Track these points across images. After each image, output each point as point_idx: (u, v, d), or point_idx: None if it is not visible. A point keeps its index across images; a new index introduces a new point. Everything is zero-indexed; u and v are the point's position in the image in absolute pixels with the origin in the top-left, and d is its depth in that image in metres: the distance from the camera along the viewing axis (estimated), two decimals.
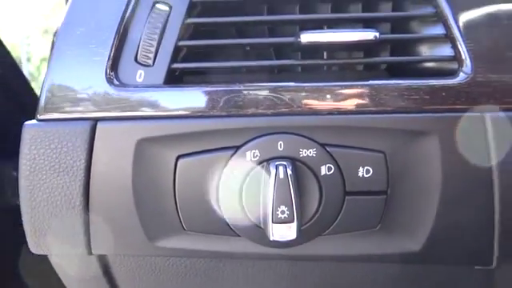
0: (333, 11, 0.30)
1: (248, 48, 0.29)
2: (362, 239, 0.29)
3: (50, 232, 0.29)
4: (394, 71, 0.30)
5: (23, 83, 0.62)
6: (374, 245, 0.29)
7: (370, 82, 0.27)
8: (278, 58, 0.31)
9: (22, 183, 0.27)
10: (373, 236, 0.29)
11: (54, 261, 0.33)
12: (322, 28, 0.30)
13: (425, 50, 0.29)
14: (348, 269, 0.31)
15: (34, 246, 0.30)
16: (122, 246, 0.29)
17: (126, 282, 0.34)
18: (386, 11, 0.30)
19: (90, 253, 0.29)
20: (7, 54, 0.60)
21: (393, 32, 0.31)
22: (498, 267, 0.29)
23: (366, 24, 0.30)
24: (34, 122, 0.27)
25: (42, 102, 0.27)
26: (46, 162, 0.27)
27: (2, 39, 0.58)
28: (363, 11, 0.30)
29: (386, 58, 0.30)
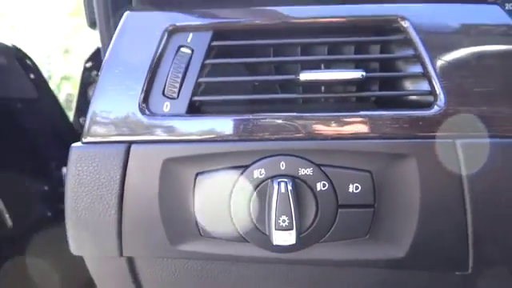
0: (330, 52, 0.36)
1: (256, 83, 0.34)
2: (353, 246, 0.34)
3: (88, 236, 0.34)
4: (382, 102, 0.36)
5: (57, 107, 0.69)
6: (364, 251, 0.34)
7: (360, 112, 0.32)
8: (282, 91, 0.36)
9: (68, 194, 0.33)
10: (363, 244, 0.34)
11: (89, 262, 0.38)
12: (320, 66, 0.35)
13: (407, 85, 0.34)
14: (342, 274, 0.36)
15: (74, 248, 0.35)
16: (148, 248, 0.34)
17: (149, 283, 0.39)
18: (375, 53, 0.36)
19: (121, 255, 0.35)
20: (44, 80, 0.67)
21: (382, 69, 0.36)
22: (474, 273, 0.34)
23: (358, 63, 0.35)
24: (79, 144, 0.33)
25: (86, 127, 0.33)
26: (88, 177, 0.32)
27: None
28: (355, 52, 0.36)
29: (373, 92, 0.35)
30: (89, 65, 0.65)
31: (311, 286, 0.36)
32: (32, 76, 0.65)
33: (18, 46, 0.63)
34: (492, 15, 0.33)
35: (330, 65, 0.35)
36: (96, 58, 0.70)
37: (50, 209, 0.41)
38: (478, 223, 0.32)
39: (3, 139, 0.64)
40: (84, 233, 0.34)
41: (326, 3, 0.35)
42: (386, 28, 0.34)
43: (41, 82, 0.66)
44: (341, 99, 0.35)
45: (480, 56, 0.32)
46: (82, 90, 0.65)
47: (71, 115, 0.73)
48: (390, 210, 0.33)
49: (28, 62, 0.64)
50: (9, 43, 0.60)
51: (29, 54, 0.65)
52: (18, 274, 0.63)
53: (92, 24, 0.53)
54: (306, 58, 0.34)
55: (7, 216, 0.61)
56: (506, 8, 0.41)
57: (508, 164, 0.31)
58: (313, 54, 0.35)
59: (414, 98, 0.34)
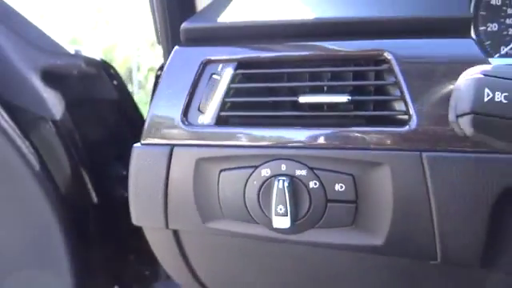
0: (332, 79, 0.44)
1: (271, 102, 0.44)
2: (340, 233, 0.42)
3: (143, 212, 0.47)
4: (371, 118, 0.44)
5: (134, 107, 0.83)
6: (349, 238, 0.42)
7: (347, 128, 0.41)
8: (292, 109, 0.45)
9: (131, 181, 0.46)
10: (348, 232, 0.42)
11: (146, 232, 0.51)
12: (323, 89, 0.44)
13: (390, 107, 0.42)
14: (332, 256, 0.45)
15: (135, 220, 0.48)
16: (186, 224, 0.46)
17: (191, 251, 0.51)
18: (370, 79, 0.43)
19: (167, 227, 0.47)
20: (124, 85, 0.82)
21: (374, 93, 0.43)
22: (443, 262, 0.41)
23: (354, 87, 0.43)
24: (138, 144, 0.46)
25: (144, 132, 0.45)
26: (143, 170, 0.45)
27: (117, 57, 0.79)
28: (353, 78, 0.44)
29: (361, 112, 0.43)
30: (159, 73, 0.78)
31: (307, 263, 0.46)
32: (115, 82, 0.80)
33: (105, 59, 0.78)
34: (464, 49, 0.40)
35: (331, 89, 0.44)
36: None
37: (127, 190, 0.54)
38: (442, 221, 0.39)
39: (92, 131, 0.80)
40: (140, 210, 0.46)
41: (329, 38, 0.44)
42: (375, 59, 0.42)
43: (122, 87, 0.81)
44: (336, 116, 0.43)
45: (449, 84, 0.39)
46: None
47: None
48: (369, 205, 0.41)
49: (112, 71, 0.79)
50: (97, 57, 0.75)
51: (113, 65, 0.80)
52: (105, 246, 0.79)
53: (158, 41, 0.66)
54: (306, 83, 0.43)
55: (94, 194, 0.77)
56: None
57: (464, 172, 0.38)
58: (319, 80, 0.44)
59: (393, 116, 0.42)
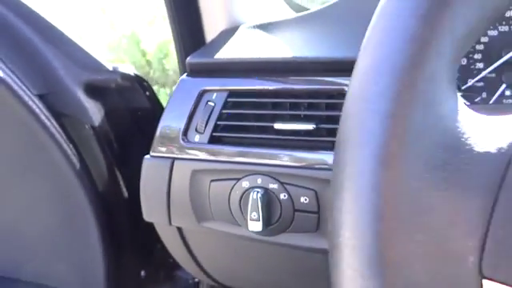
0: (308, 108, 0.52)
1: (256, 126, 0.53)
2: (307, 238, 0.51)
3: (151, 211, 0.57)
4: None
5: None
6: (314, 242, 0.51)
7: (313, 151, 0.49)
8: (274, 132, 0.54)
9: (141, 186, 0.57)
10: (314, 236, 0.50)
11: (156, 227, 0.62)
12: (300, 118, 0.52)
13: None
14: (300, 256, 0.53)
15: (146, 217, 0.59)
16: (185, 223, 0.56)
17: (194, 246, 0.62)
18: (340, 110, 0.51)
19: (170, 224, 0.57)
20: (155, 95, 0.94)
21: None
22: None
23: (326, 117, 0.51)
24: (148, 156, 0.56)
25: (152, 146, 0.56)
26: (151, 178, 0.55)
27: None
28: (326, 109, 0.52)
29: (323, 138, 0.51)
30: None
31: (280, 262, 0.54)
32: (147, 93, 0.92)
33: (138, 74, 0.90)
34: None
35: (306, 117, 0.52)
36: None
37: None
38: None
39: (126, 135, 0.92)
40: (149, 208, 0.57)
41: (307, 74, 0.52)
42: (342, 93, 0.50)
43: (153, 97, 0.93)
44: (306, 140, 0.51)
45: None
46: None
47: None
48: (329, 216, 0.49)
49: (145, 83, 0.90)
50: (132, 72, 0.87)
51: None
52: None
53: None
54: (286, 112, 0.52)
55: (125, 189, 0.89)
56: None
57: None
58: (297, 109, 0.53)
59: None
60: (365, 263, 0.20)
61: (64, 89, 0.82)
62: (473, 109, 0.22)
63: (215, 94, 0.54)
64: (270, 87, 0.53)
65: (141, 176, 0.56)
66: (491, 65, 0.54)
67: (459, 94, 0.55)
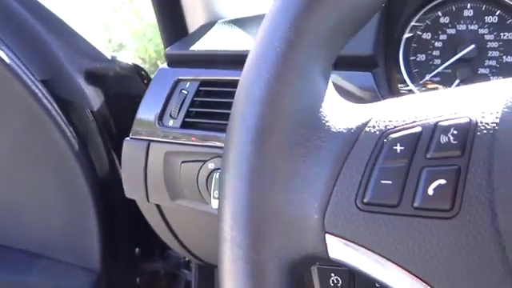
0: None
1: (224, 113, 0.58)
2: None
3: (132, 188, 0.63)
4: None
5: None
6: None
7: None
8: None
9: (122, 165, 0.62)
10: None
11: (138, 203, 0.67)
12: None
13: None
14: None
15: (127, 194, 0.65)
16: (160, 199, 0.62)
17: (172, 221, 0.67)
18: None
19: (148, 200, 0.63)
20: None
21: None
22: None
23: None
24: (128, 138, 0.62)
25: (132, 129, 0.61)
26: (130, 157, 0.61)
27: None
28: None
29: None
30: None
31: None
32: (145, 81, 0.97)
33: (137, 63, 0.96)
34: (362, 81, 0.51)
35: None
36: None
37: None
38: None
39: (125, 121, 0.98)
40: (129, 186, 0.63)
41: None
42: None
43: None
44: None
45: None
46: None
47: None
48: None
49: (143, 72, 0.96)
50: (130, 62, 0.93)
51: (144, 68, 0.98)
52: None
53: None
54: None
55: (120, 171, 0.95)
56: None
57: None
58: None
59: None
60: (234, 217, 0.25)
61: (65, 75, 0.89)
62: None
63: (189, 83, 0.59)
64: (239, 77, 0.57)
65: (121, 156, 0.62)
66: (447, 61, 0.57)
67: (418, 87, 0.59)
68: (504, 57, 0.55)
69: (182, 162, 0.58)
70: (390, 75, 0.58)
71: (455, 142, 0.22)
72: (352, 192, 0.23)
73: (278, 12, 0.25)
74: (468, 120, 0.22)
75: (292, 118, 0.25)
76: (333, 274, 0.36)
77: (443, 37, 0.58)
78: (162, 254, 1.08)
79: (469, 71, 0.56)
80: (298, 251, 0.24)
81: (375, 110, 0.25)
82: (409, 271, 0.22)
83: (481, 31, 0.56)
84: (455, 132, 0.22)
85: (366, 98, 0.51)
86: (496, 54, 0.56)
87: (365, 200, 0.23)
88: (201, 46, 0.61)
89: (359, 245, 0.23)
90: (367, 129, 0.24)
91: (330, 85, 0.27)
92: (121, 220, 0.97)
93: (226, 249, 0.25)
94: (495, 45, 0.56)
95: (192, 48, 0.61)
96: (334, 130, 0.25)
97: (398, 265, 0.22)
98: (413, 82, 0.58)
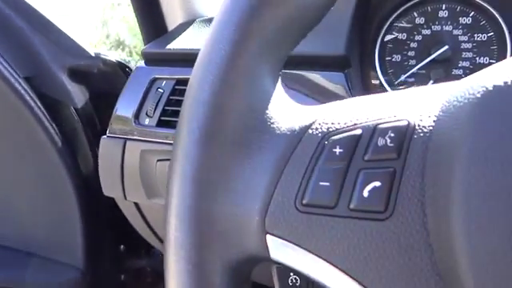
0: None
1: None
2: None
3: (109, 187, 0.63)
4: None
5: None
6: None
7: None
8: None
9: (100, 163, 0.62)
10: None
11: (117, 201, 0.68)
12: None
13: None
14: None
15: (105, 192, 0.65)
16: (137, 197, 0.62)
17: (150, 218, 0.67)
18: None
19: (126, 198, 0.63)
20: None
21: None
22: None
23: None
24: (105, 136, 0.62)
25: (109, 127, 0.62)
26: (107, 155, 0.61)
27: None
28: None
29: None
30: None
31: None
32: None
33: (121, 59, 0.96)
34: (334, 81, 0.51)
35: None
36: None
37: None
38: None
39: (109, 117, 0.98)
40: (107, 184, 0.63)
41: None
42: None
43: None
44: None
45: None
46: None
47: None
48: None
49: (127, 69, 0.96)
50: (114, 59, 0.93)
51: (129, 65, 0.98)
52: None
53: None
54: None
55: None
56: None
57: None
58: None
59: None
60: (178, 217, 0.25)
61: (49, 72, 0.89)
62: None
63: (164, 82, 0.59)
64: None
65: (99, 154, 0.62)
66: (422, 62, 0.58)
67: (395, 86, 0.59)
68: (477, 58, 0.56)
69: (158, 161, 0.58)
70: (365, 76, 0.58)
71: (391, 145, 0.22)
72: (292, 193, 0.23)
73: (225, 14, 0.25)
74: (406, 123, 0.23)
75: (236, 120, 0.25)
76: (291, 274, 0.36)
77: (418, 37, 0.58)
78: (147, 252, 1.08)
79: (442, 72, 0.56)
80: (241, 252, 0.24)
81: (320, 113, 0.25)
82: (344, 272, 0.22)
83: (455, 32, 0.57)
84: (392, 135, 0.22)
85: (338, 99, 0.51)
86: (469, 55, 0.56)
87: (304, 201, 0.23)
88: (177, 44, 0.61)
89: (298, 246, 0.23)
90: (310, 131, 0.25)
91: (279, 86, 0.27)
92: (105, 217, 0.97)
93: (170, 248, 0.25)
94: (469, 46, 0.56)
95: (168, 46, 0.61)
96: (278, 132, 0.25)
97: (334, 265, 0.22)
98: (388, 83, 0.59)
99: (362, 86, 0.57)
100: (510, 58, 0.21)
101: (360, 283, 0.22)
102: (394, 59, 0.60)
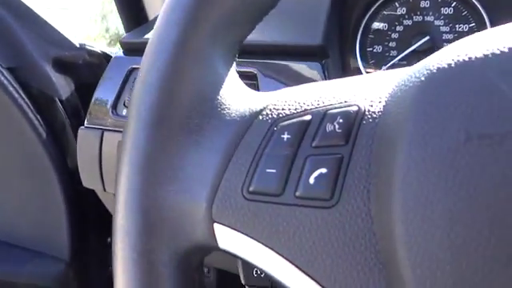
0: None
1: None
2: None
3: (88, 178, 0.63)
4: None
5: None
6: None
7: None
8: None
9: (78, 155, 0.62)
10: None
11: (99, 195, 0.67)
12: None
13: None
14: None
15: (85, 184, 0.64)
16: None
17: None
18: None
19: (105, 190, 0.62)
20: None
21: None
22: None
23: None
24: (83, 127, 0.61)
25: (87, 118, 0.61)
26: (85, 145, 0.60)
27: None
28: None
29: None
30: None
31: None
32: None
33: (107, 51, 0.95)
34: (311, 71, 0.50)
35: None
36: None
37: None
38: None
39: None
40: (86, 176, 0.63)
41: None
42: (246, 74, 0.54)
43: None
44: None
45: None
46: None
47: None
48: None
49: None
50: (99, 50, 0.92)
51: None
52: None
53: None
54: None
55: None
56: None
57: None
58: None
59: None
60: (125, 205, 0.24)
61: (33, 63, 0.88)
62: None
63: None
64: None
65: (77, 145, 0.62)
66: (403, 52, 0.57)
67: None
68: None
69: None
70: (345, 66, 0.57)
71: (340, 131, 0.22)
72: (239, 181, 0.23)
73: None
74: (356, 108, 0.22)
75: (185, 106, 0.24)
76: None
77: (400, 28, 0.57)
78: None
79: None
80: (188, 241, 0.24)
81: (271, 99, 0.25)
82: (289, 261, 0.22)
83: (436, 23, 0.56)
84: (341, 120, 0.22)
85: None
86: None
87: (250, 189, 0.22)
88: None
89: (245, 234, 0.23)
90: (260, 117, 0.24)
91: (232, 71, 0.26)
92: (91, 209, 0.97)
93: (117, 236, 0.24)
94: (450, 36, 0.55)
95: (147, 36, 0.60)
96: (228, 118, 0.24)
97: (280, 254, 0.22)
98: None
99: (342, 76, 0.56)
100: (461, 39, 0.21)
101: (305, 273, 0.21)
102: (375, 50, 0.59)
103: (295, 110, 0.23)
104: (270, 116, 0.24)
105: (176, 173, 0.24)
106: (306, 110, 0.23)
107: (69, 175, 0.89)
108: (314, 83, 0.25)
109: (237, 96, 0.25)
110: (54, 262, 0.92)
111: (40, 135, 0.86)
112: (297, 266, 0.21)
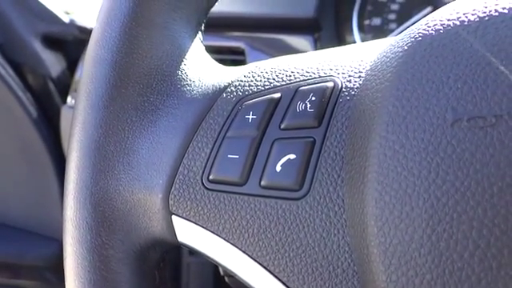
0: None
1: None
2: None
3: None
4: None
5: None
6: None
7: None
8: None
9: (62, 134, 0.59)
10: None
11: None
12: None
13: None
14: None
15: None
16: None
17: None
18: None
19: None
20: None
21: None
22: None
23: None
24: (66, 105, 0.59)
25: (70, 95, 0.58)
26: (68, 123, 0.58)
27: None
28: None
29: None
30: None
31: None
32: None
33: None
34: (303, 45, 0.47)
35: None
36: None
37: None
38: None
39: None
40: None
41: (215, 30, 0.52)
42: (234, 50, 0.50)
43: None
44: None
45: None
46: None
47: None
48: None
49: None
50: (89, 26, 0.88)
51: None
52: None
53: None
54: None
55: None
56: None
57: None
58: None
59: None
60: (73, 195, 0.22)
61: (20, 39, 0.85)
62: None
63: None
64: None
65: (60, 124, 0.59)
66: (402, 25, 0.53)
67: None
68: None
69: None
70: (340, 40, 0.54)
71: (312, 110, 0.19)
72: (199, 168, 0.20)
73: None
74: (332, 85, 0.19)
75: (140, 82, 0.21)
76: None
77: None
78: None
79: None
80: (145, 235, 0.21)
81: (237, 74, 0.22)
82: (253, 259, 0.19)
83: None
84: (314, 98, 0.19)
85: None
86: None
87: (210, 177, 0.20)
88: None
89: (205, 228, 0.20)
90: (224, 95, 0.21)
91: (196, 43, 0.23)
92: None
93: (67, 230, 0.22)
94: None
95: None
96: (189, 96, 0.21)
97: (242, 251, 0.19)
98: None
99: None
100: (445, 5, 0.17)
101: (271, 272, 0.19)
102: (373, 23, 0.55)
103: (263, 86, 0.20)
104: (234, 94, 0.21)
105: (128, 158, 0.21)
106: (275, 86, 0.20)
107: (61, 154, 0.87)
108: (286, 56, 0.22)
109: (200, 71, 0.22)
110: (48, 242, 0.91)
111: (30, 114, 0.84)
112: (261, 265, 0.19)
